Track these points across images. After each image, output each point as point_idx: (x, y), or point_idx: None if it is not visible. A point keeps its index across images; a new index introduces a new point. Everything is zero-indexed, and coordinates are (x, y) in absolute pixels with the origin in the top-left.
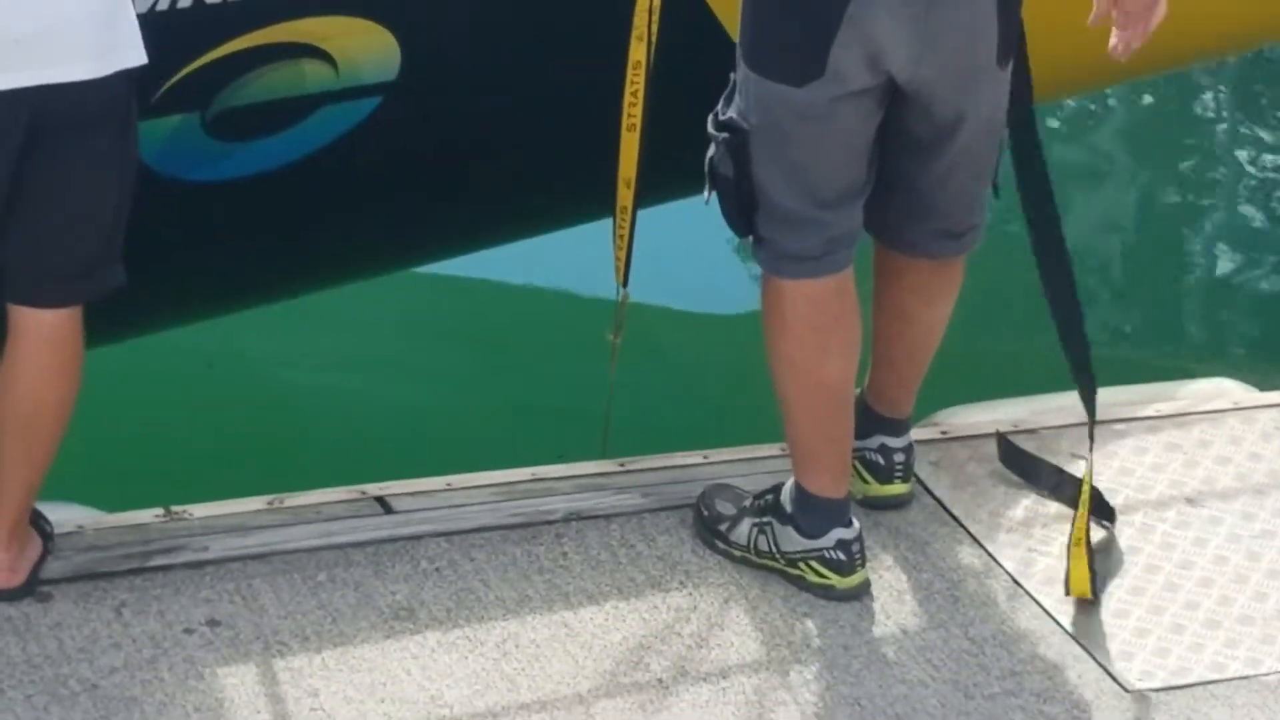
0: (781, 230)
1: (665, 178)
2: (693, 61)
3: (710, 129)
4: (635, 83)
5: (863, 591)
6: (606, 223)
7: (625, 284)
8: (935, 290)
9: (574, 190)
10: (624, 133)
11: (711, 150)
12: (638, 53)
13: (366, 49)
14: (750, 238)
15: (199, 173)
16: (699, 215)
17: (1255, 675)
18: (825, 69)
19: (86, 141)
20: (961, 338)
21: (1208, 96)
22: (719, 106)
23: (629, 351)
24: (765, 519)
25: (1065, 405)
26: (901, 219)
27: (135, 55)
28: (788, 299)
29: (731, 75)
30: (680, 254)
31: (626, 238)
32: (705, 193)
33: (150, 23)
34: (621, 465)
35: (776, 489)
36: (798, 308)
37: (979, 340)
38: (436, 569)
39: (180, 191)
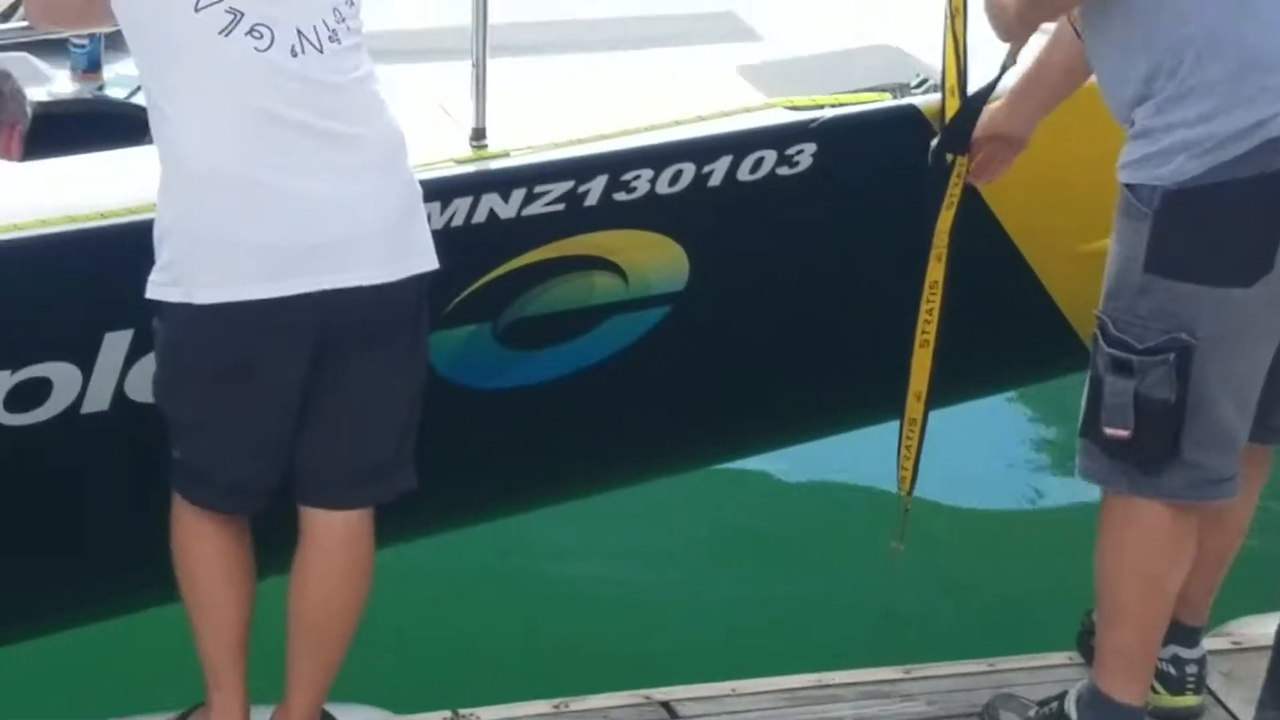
0: (1210, 451)
1: (952, 381)
2: (984, 274)
3: (1121, 358)
4: (931, 301)
5: None
6: (890, 425)
7: (909, 494)
8: (1250, 482)
9: (855, 398)
10: (917, 348)
11: (1132, 380)
12: (935, 273)
13: (656, 261)
14: (1144, 462)
15: (489, 380)
16: (980, 414)
17: None
18: (1275, 263)
19: (378, 346)
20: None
21: None
22: (1101, 344)
23: (912, 551)
24: None
25: None
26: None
27: (427, 261)
28: (1167, 517)
29: (1100, 314)
30: (963, 453)
31: (914, 450)
32: (1098, 428)
33: (446, 237)
34: (907, 672)
35: (1061, 697)
36: (1163, 522)
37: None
38: None
39: (471, 399)
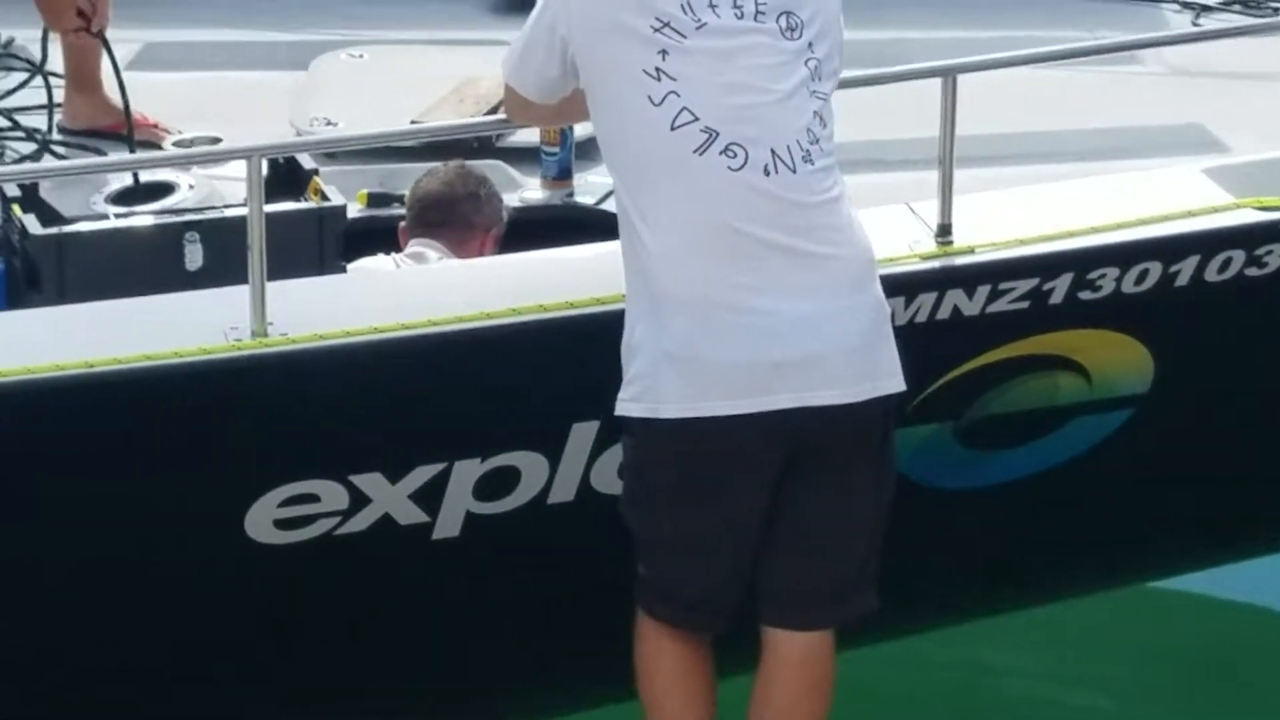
0: None
1: None
2: None
3: None
4: None
5: None
6: None
7: None
8: None
9: None
10: None
11: None
12: None
13: (1120, 362)
14: None
15: (949, 480)
16: None
17: None
18: None
19: (842, 467)
20: None
21: None
22: None
23: None
24: None
25: None
26: None
27: (894, 383)
28: None
29: None
30: None
31: None
32: None
33: (909, 333)
34: None
35: None
36: None
37: None
38: None
39: (929, 498)
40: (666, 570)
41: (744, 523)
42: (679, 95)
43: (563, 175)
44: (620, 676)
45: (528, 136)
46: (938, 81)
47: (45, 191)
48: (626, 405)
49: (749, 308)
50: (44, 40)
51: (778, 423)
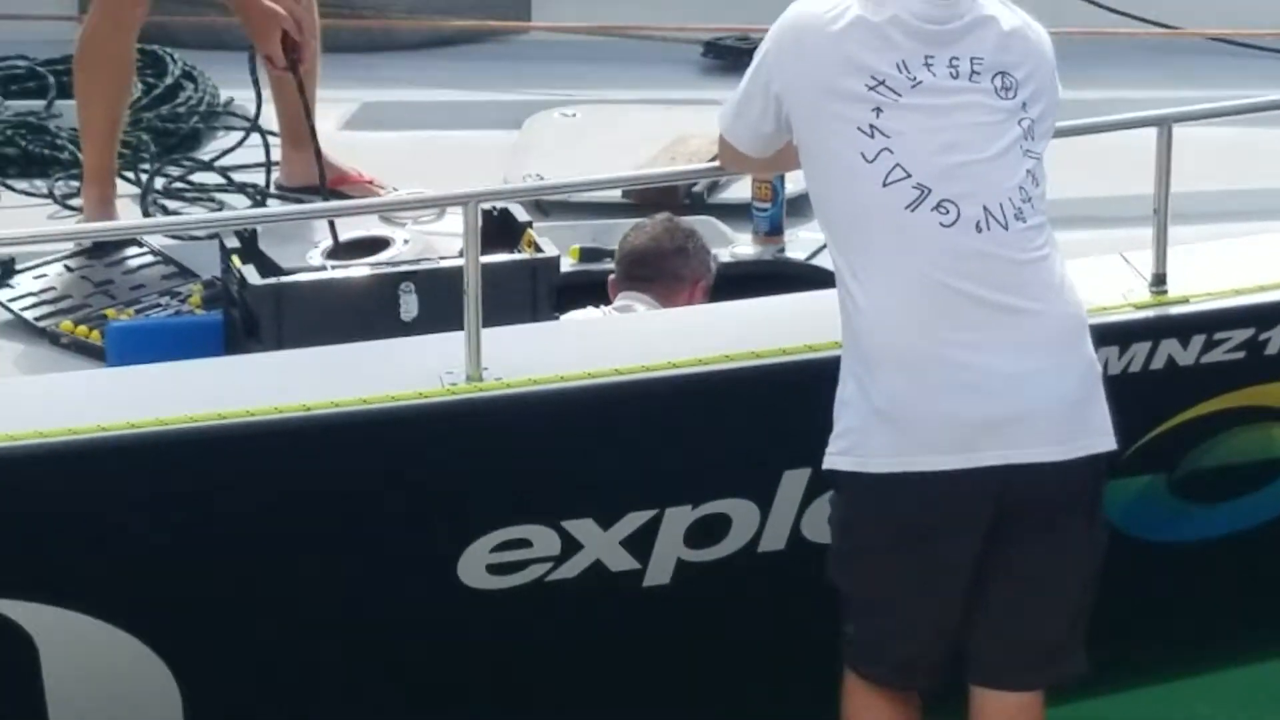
0: None
1: None
2: None
3: None
4: None
5: None
6: None
7: None
8: None
9: None
10: None
11: None
12: None
13: None
14: None
15: (1163, 533)
16: None
17: None
18: None
19: (1052, 526)
20: None
21: None
22: None
23: None
24: None
25: None
26: None
27: (1105, 442)
28: None
29: None
30: None
31: None
32: None
33: (1122, 383)
34: None
35: None
36: None
37: None
38: None
39: (1144, 551)
40: (873, 628)
41: (951, 580)
42: (892, 152)
43: (774, 231)
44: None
45: (739, 192)
46: (1152, 138)
47: (264, 244)
48: (834, 459)
49: (959, 364)
50: (256, 92)
51: (987, 480)
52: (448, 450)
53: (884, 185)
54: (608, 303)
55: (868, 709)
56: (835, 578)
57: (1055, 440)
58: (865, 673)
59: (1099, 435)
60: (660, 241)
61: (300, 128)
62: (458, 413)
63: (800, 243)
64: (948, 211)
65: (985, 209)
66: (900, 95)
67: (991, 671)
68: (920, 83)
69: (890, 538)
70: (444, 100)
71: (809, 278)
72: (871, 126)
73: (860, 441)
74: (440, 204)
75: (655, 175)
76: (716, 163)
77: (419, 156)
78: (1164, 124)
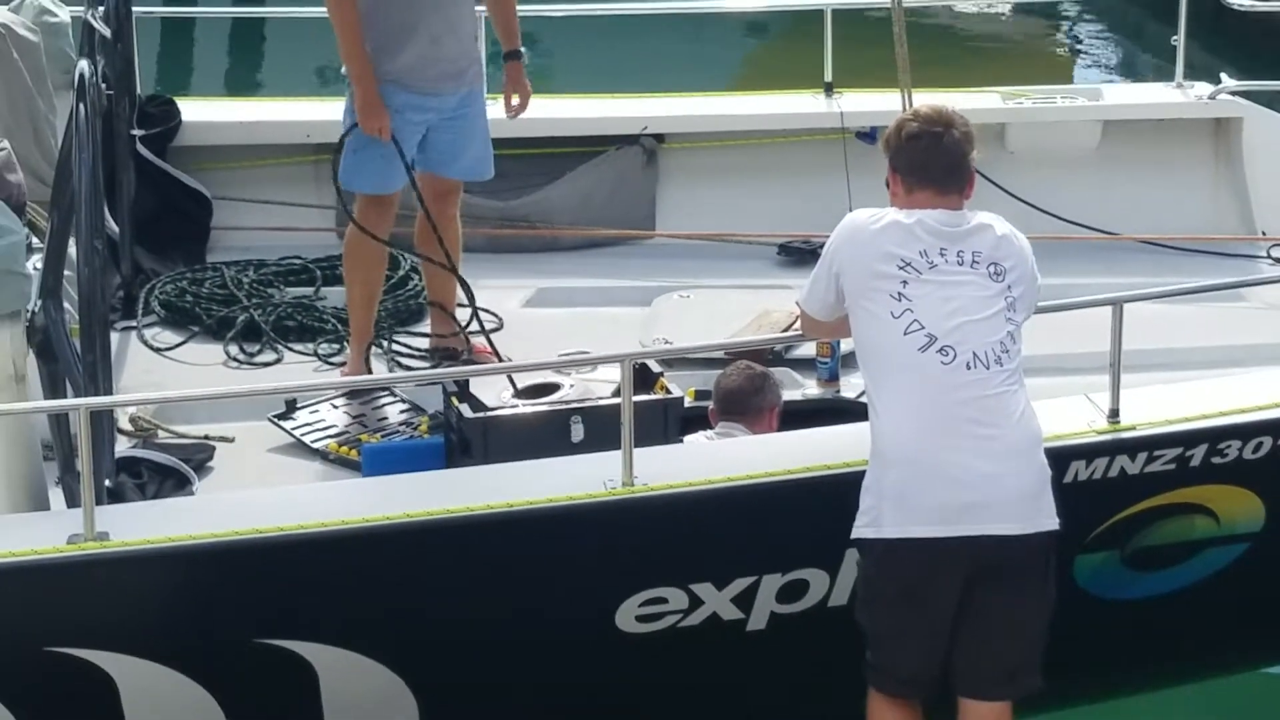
0: None
1: None
2: None
3: None
4: None
5: None
6: None
7: None
8: None
9: None
10: None
11: None
12: None
13: (1241, 508)
14: None
15: (1114, 593)
16: None
17: None
18: None
19: (1015, 580)
20: None
21: None
22: None
23: None
24: None
25: None
26: None
27: (1052, 523)
28: None
29: None
30: None
31: None
32: None
33: (1087, 487)
34: None
35: None
36: None
37: None
38: None
39: (1099, 607)
40: (886, 655)
41: (939, 620)
42: (912, 311)
43: (832, 378)
44: None
45: (807, 351)
46: (1107, 314)
47: (472, 387)
48: (858, 529)
49: (949, 463)
50: (466, 290)
51: (966, 546)
52: (609, 535)
53: (904, 334)
54: (711, 428)
55: (883, 713)
56: (860, 619)
57: (1017, 520)
58: (880, 686)
59: (1048, 518)
60: (744, 384)
61: (446, 301)
62: (617, 509)
63: (852, 386)
64: (948, 354)
65: (974, 354)
66: (921, 273)
67: (972, 685)
68: (935, 265)
69: (895, 586)
70: (594, 286)
71: (858, 412)
72: (899, 293)
73: (876, 517)
74: (605, 361)
75: (750, 341)
76: (793, 330)
77: (579, 327)
78: (1117, 304)
